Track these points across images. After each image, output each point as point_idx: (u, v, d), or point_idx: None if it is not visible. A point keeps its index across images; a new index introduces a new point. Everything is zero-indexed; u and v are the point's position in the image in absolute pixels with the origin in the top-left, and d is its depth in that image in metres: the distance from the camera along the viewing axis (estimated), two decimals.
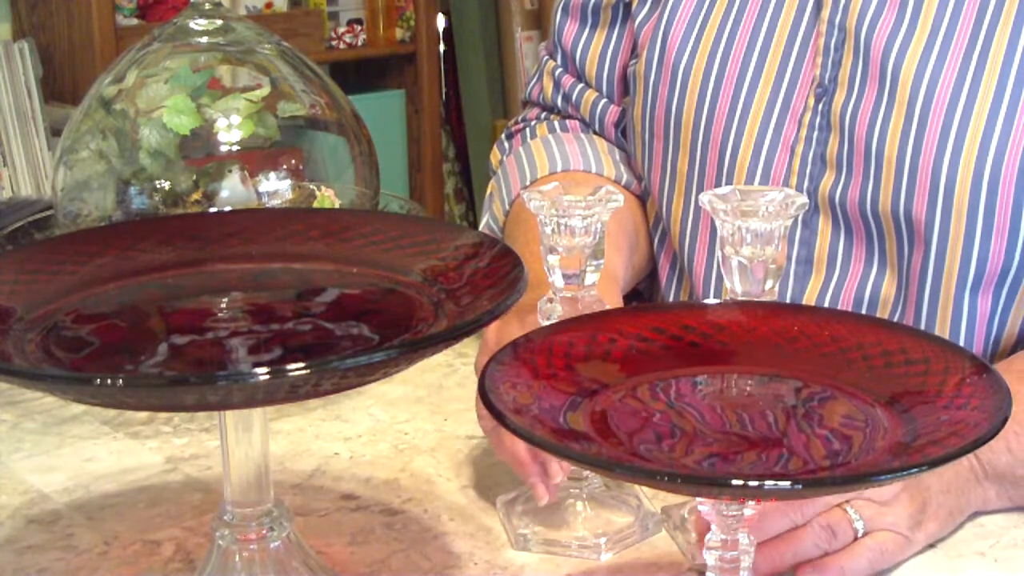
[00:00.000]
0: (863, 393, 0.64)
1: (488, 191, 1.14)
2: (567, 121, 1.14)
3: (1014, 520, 0.81)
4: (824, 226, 0.93)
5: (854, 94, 0.91)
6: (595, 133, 1.13)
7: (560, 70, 1.14)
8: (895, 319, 0.92)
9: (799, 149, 0.94)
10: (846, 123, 0.91)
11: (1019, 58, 0.86)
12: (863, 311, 0.93)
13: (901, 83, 0.88)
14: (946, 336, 0.90)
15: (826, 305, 0.94)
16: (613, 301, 0.87)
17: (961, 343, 0.90)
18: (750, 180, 0.96)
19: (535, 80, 1.18)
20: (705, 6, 1.00)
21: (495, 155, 1.18)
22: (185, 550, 0.80)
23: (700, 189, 0.99)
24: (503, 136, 1.19)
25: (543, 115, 1.17)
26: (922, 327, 0.90)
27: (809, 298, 0.95)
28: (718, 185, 0.98)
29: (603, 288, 0.82)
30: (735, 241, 0.73)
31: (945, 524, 0.78)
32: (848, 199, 0.91)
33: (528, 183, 1.06)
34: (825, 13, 0.93)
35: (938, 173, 0.87)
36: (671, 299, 1.06)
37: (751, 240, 0.72)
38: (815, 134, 0.93)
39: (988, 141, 0.85)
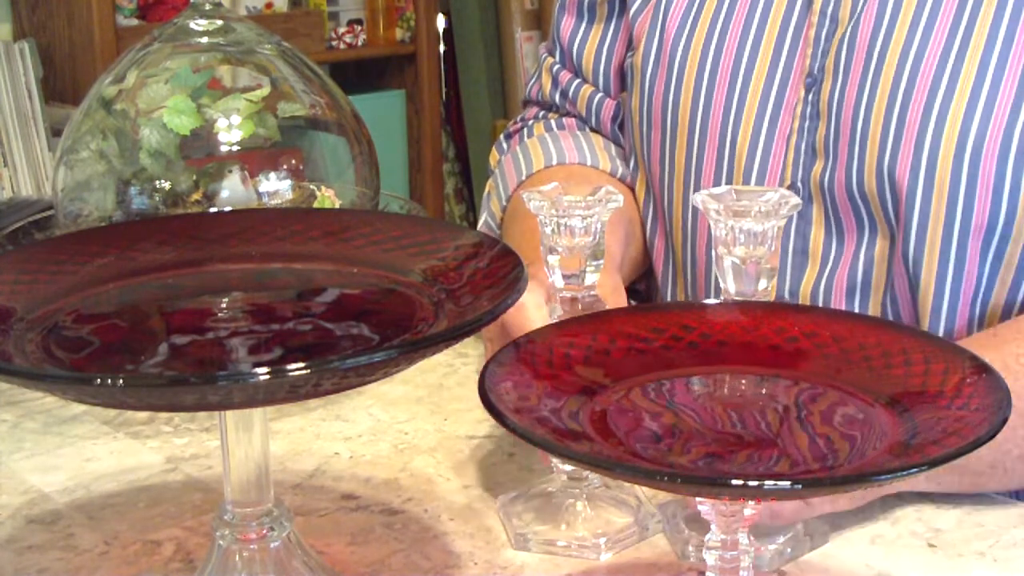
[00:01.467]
0: (863, 393, 0.64)
1: (486, 190, 1.15)
2: (564, 119, 1.15)
3: (1014, 520, 0.81)
4: (818, 215, 0.94)
5: (839, 80, 0.91)
6: (592, 129, 1.14)
7: (558, 66, 1.14)
8: (886, 297, 0.92)
9: (794, 140, 0.94)
10: (833, 109, 0.92)
11: (1003, 33, 0.87)
12: (856, 294, 0.93)
13: (887, 62, 0.89)
14: (930, 304, 0.90)
15: (820, 293, 0.94)
16: (611, 284, 0.86)
17: (945, 306, 0.90)
18: (748, 172, 0.96)
19: (535, 78, 1.18)
20: None
21: (494, 155, 1.19)
22: (185, 550, 0.80)
23: (698, 181, 0.99)
24: (502, 136, 1.20)
25: (541, 114, 1.17)
26: (917, 298, 0.90)
27: (805, 289, 0.95)
28: (717, 177, 0.98)
29: (611, 297, 0.82)
30: (728, 241, 0.73)
31: (855, 500, 0.79)
32: (836, 183, 0.92)
33: (524, 177, 1.07)
34: (817, 4, 0.94)
35: (921, 146, 0.87)
36: (668, 288, 1.06)
37: (744, 240, 0.73)
38: (807, 124, 0.94)
39: (972, 114, 0.86)
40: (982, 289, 0.89)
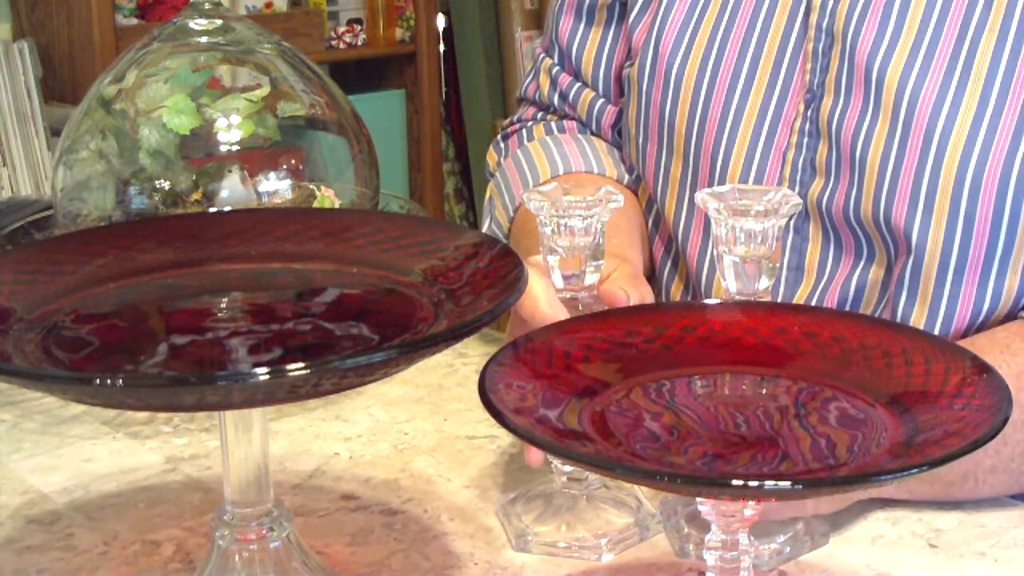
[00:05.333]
0: (863, 393, 0.64)
1: (487, 194, 1.14)
2: (564, 122, 1.14)
3: (1014, 520, 0.81)
4: (815, 232, 0.94)
5: (840, 100, 0.91)
6: (592, 133, 1.13)
7: (557, 68, 1.14)
8: (876, 311, 0.92)
9: (791, 155, 0.94)
10: (833, 129, 0.91)
11: (1003, 68, 0.86)
12: (846, 308, 0.93)
13: (886, 90, 0.88)
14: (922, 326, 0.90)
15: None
16: (643, 292, 0.85)
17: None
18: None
19: (531, 77, 1.18)
20: (697, 10, 1.00)
21: (491, 156, 1.18)
22: (185, 550, 0.80)
23: (693, 193, 0.99)
24: (499, 137, 1.19)
25: (539, 115, 1.17)
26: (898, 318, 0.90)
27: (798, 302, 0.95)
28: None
29: (631, 281, 0.82)
30: (728, 240, 0.73)
31: (835, 505, 0.80)
32: (834, 205, 0.91)
33: (531, 188, 1.06)
34: (813, 18, 0.93)
35: (919, 180, 0.87)
36: (667, 290, 1.06)
37: (744, 239, 0.73)
38: (806, 140, 0.93)
39: (970, 149, 0.85)
40: (979, 320, 0.89)
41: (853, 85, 0.90)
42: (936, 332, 0.89)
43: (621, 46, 1.08)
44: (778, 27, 0.96)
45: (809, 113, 0.93)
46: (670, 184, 1.01)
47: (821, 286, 0.94)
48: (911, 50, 0.88)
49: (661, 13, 1.01)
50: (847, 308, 0.93)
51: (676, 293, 1.05)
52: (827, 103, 0.91)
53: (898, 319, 0.90)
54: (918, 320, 0.89)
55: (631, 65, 1.04)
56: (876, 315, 0.92)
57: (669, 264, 1.05)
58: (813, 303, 0.94)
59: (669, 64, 1.00)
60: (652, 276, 1.10)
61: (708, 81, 0.98)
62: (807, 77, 0.93)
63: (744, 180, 0.96)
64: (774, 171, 0.94)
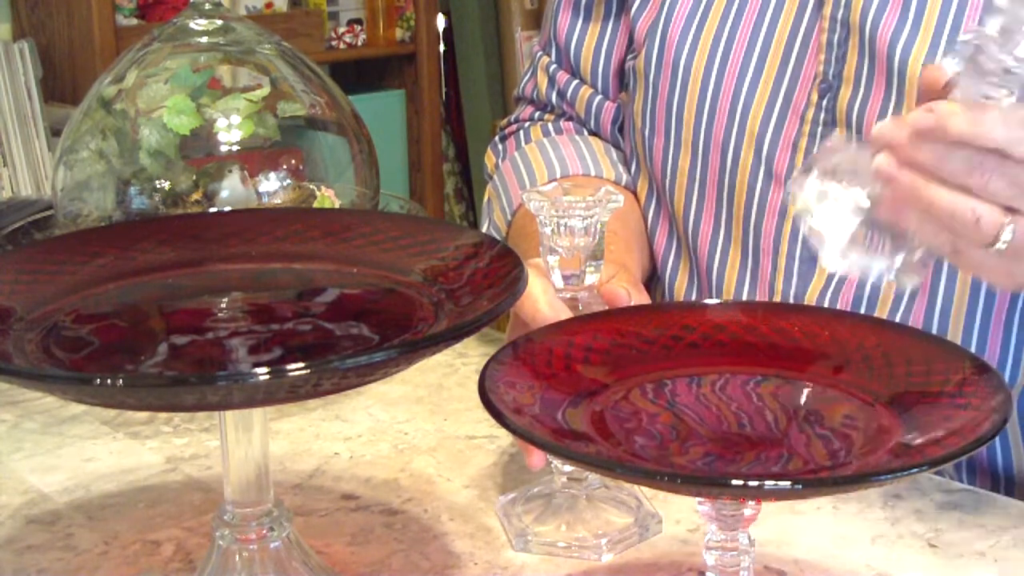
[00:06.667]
0: (863, 393, 0.64)
1: (486, 196, 1.14)
2: (561, 122, 1.14)
3: (1014, 520, 0.81)
4: None
5: (861, 90, 0.91)
6: (590, 132, 1.13)
7: (554, 66, 1.14)
8: (893, 314, 0.92)
9: (802, 144, 0.94)
10: (853, 119, 0.91)
11: None
12: (862, 307, 0.93)
13: (908, 80, 0.88)
14: (962, 324, 0.89)
15: (826, 303, 0.94)
16: (642, 298, 0.85)
17: (976, 328, 0.89)
18: (753, 176, 0.96)
19: (528, 76, 1.18)
20: (704, 0, 1.00)
21: (490, 158, 1.18)
22: (185, 550, 0.80)
23: (703, 185, 0.99)
24: (497, 138, 1.19)
25: (536, 115, 1.17)
26: (934, 320, 0.89)
27: (810, 297, 0.95)
28: (720, 180, 0.98)
29: (631, 284, 0.82)
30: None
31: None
32: None
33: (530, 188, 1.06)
34: (827, 9, 0.93)
35: None
36: (671, 281, 1.06)
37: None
38: (819, 129, 0.93)
39: None
40: (1020, 301, 0.88)
41: (875, 76, 0.90)
42: (981, 305, 0.88)
43: (620, 40, 1.08)
44: (788, 17, 0.96)
45: (824, 103, 0.93)
46: (678, 176, 1.01)
47: (835, 282, 0.94)
48: (932, 41, 0.88)
49: (668, 3, 1.01)
50: (863, 304, 0.93)
51: (681, 286, 1.05)
52: (845, 93, 0.91)
53: (938, 299, 0.89)
54: (961, 297, 0.89)
55: (635, 57, 1.04)
56: (894, 310, 0.91)
57: (672, 256, 1.05)
58: (827, 298, 0.94)
59: (677, 54, 0.99)
60: (652, 276, 1.10)
61: (717, 71, 0.97)
62: (821, 67, 0.93)
63: (755, 170, 0.96)
64: (783, 160, 0.94)
